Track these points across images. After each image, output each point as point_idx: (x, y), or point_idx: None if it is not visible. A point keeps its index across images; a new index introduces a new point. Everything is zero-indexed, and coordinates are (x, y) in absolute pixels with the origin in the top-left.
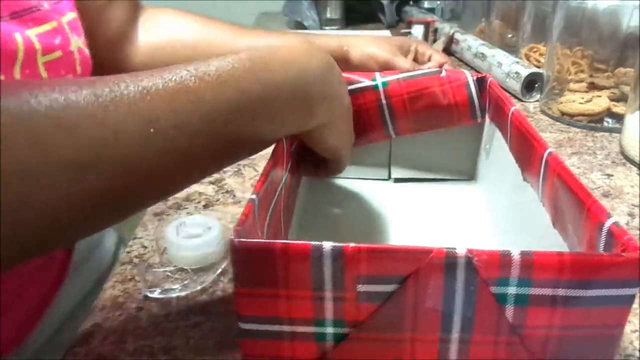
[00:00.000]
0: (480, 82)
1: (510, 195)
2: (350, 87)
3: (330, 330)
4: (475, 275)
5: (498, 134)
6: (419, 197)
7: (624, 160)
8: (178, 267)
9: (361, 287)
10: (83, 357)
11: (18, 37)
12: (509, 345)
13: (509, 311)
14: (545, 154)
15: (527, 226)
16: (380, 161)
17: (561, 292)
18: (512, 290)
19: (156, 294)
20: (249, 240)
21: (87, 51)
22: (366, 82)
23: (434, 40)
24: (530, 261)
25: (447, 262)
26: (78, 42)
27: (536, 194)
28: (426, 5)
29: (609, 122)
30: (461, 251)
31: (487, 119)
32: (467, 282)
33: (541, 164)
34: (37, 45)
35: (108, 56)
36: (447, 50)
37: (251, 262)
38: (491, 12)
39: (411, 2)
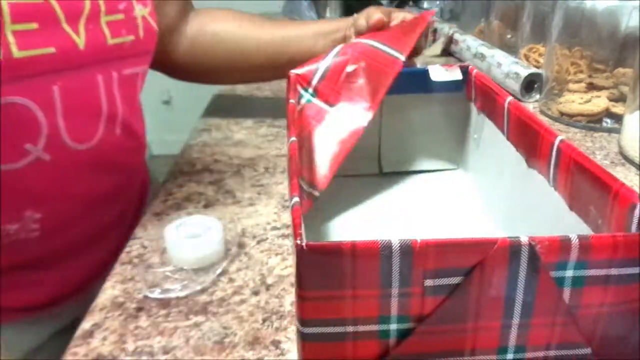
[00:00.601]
0: (464, 73)
1: (508, 182)
2: (334, 50)
3: (394, 326)
4: (537, 261)
5: (489, 123)
6: (412, 191)
7: (623, 161)
8: (178, 267)
9: (428, 282)
10: (83, 357)
11: None
12: (564, 326)
13: (566, 293)
14: (557, 142)
15: (531, 212)
16: (370, 155)
17: (614, 271)
18: (569, 273)
19: (156, 294)
20: (316, 242)
21: (151, 21)
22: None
23: (434, 40)
24: (587, 244)
25: (512, 250)
26: (143, 11)
27: (542, 180)
28: (425, 5)
29: (608, 123)
30: (524, 239)
31: (475, 109)
32: (530, 268)
33: (551, 151)
34: (102, 7)
35: (160, 45)
36: (447, 51)
37: (318, 264)
38: (490, 12)
39: (411, 2)
